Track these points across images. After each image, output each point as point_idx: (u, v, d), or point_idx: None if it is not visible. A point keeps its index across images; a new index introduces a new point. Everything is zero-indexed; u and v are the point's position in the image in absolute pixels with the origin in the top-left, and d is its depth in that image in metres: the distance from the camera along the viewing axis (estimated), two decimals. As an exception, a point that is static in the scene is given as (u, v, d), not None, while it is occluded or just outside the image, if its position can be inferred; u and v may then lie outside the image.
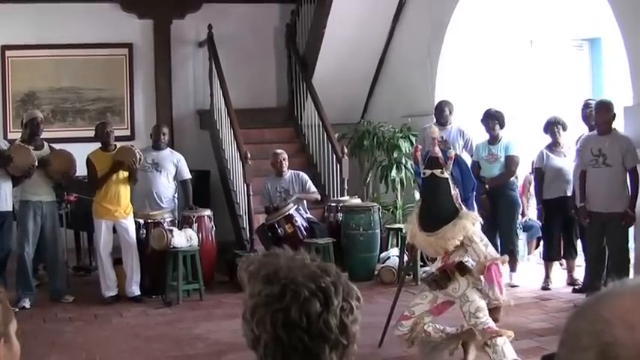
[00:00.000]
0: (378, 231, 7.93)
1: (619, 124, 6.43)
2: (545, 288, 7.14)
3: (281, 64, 10.40)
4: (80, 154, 7.19)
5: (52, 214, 7.12)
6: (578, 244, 7.29)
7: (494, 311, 4.65)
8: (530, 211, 8.28)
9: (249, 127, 9.30)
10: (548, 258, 7.30)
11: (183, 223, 7.56)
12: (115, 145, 7.32)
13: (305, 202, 8.16)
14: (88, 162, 7.18)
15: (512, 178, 7.38)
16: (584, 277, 6.75)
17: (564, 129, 7.31)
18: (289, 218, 7.68)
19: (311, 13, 9.76)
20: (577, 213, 6.72)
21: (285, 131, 10.02)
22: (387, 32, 9.53)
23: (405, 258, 6.73)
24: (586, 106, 7.07)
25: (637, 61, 6.28)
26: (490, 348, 4.56)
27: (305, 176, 8.22)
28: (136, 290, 7.15)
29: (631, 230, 6.38)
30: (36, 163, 6.81)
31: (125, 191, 7.18)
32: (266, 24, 10.33)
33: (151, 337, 5.95)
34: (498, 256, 4.80)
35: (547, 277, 7.23)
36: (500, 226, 7.21)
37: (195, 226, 7.46)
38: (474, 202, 5.24)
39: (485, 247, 4.65)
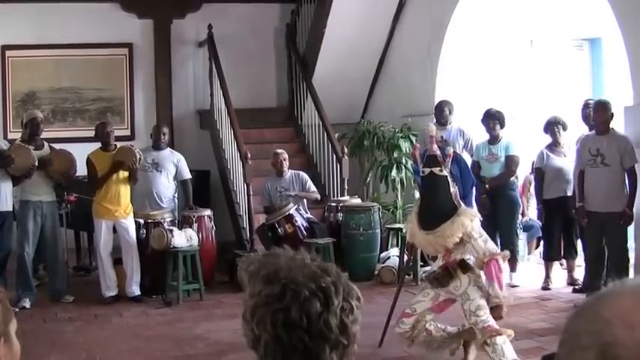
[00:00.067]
0: (378, 231, 7.93)
1: (619, 124, 6.43)
2: (545, 288, 7.13)
3: (281, 64, 10.40)
4: (80, 154, 7.19)
5: (52, 214, 7.12)
6: (579, 244, 7.29)
7: (495, 309, 4.58)
8: (531, 211, 8.28)
9: (249, 127, 9.30)
10: (549, 258, 7.29)
11: (183, 223, 7.56)
12: (115, 145, 7.33)
13: (305, 201, 8.16)
14: (88, 162, 7.18)
15: (512, 178, 7.38)
16: (584, 277, 6.75)
17: (564, 129, 7.31)
18: (289, 218, 7.67)
19: (311, 13, 9.75)
20: (576, 213, 6.73)
21: (285, 131, 10.02)
22: (387, 32, 9.53)
23: (405, 258, 6.73)
24: (586, 106, 7.07)
25: (637, 61, 6.28)
26: (489, 347, 4.54)
27: (305, 176, 8.22)
28: (136, 290, 7.15)
29: (631, 230, 6.38)
30: (36, 163, 6.81)
31: (125, 191, 7.18)
32: (266, 24, 10.33)
33: (151, 337, 5.95)
34: (498, 251, 4.77)
35: (547, 277, 7.23)
36: (500, 226, 7.20)
37: (195, 226, 7.46)
38: (473, 200, 5.24)
39: (484, 243, 4.63)
